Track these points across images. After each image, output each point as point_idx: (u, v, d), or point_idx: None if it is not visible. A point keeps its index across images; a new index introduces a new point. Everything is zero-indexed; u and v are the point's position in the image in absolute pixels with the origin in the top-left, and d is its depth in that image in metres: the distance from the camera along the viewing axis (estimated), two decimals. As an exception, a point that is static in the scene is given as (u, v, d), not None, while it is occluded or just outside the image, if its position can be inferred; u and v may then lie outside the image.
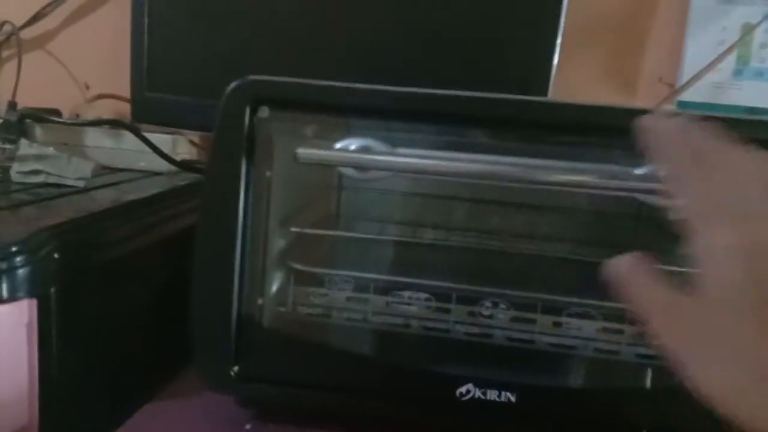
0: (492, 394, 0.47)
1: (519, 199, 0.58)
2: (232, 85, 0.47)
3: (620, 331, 0.48)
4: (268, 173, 0.48)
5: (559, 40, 0.81)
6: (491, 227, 0.56)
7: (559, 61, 0.81)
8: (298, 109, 0.48)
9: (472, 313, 0.49)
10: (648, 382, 0.48)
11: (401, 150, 0.45)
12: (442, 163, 0.43)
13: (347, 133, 0.48)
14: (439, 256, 0.55)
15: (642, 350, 0.48)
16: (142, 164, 0.82)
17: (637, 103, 0.90)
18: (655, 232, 0.54)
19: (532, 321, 0.48)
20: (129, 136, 0.80)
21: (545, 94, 0.81)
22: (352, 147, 0.46)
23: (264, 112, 0.47)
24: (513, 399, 0.46)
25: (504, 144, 0.47)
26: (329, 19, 0.84)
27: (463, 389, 0.47)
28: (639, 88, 0.91)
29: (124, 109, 0.92)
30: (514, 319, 0.49)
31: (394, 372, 0.48)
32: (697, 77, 0.87)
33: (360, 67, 0.83)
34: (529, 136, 0.45)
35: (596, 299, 0.48)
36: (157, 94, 0.88)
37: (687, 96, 0.88)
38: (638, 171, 0.42)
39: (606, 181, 0.41)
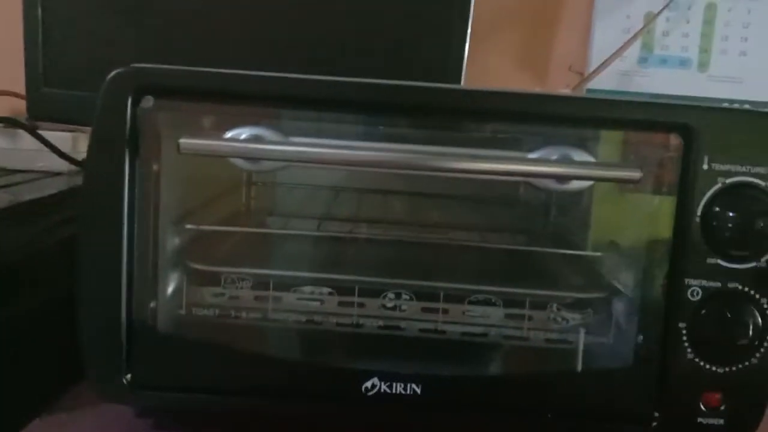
0: (398, 387, 0.45)
1: (423, 188, 0.57)
2: (112, 73, 0.44)
3: (523, 317, 0.47)
4: (155, 167, 0.45)
5: (469, 28, 0.80)
6: (397, 218, 0.55)
7: (471, 49, 0.81)
8: (186, 98, 0.45)
9: (375, 306, 0.48)
10: (555, 367, 0.48)
11: (293, 139, 0.43)
12: (332, 151, 0.41)
13: (246, 122, 0.46)
14: (344, 250, 0.53)
15: (547, 335, 0.48)
16: (41, 164, 0.77)
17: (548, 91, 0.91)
18: (557, 218, 0.55)
19: (435, 310, 0.48)
20: (25, 135, 0.76)
21: (458, 81, 0.80)
22: (243, 136, 0.44)
23: (148, 101, 0.44)
24: (419, 391, 0.45)
25: (406, 132, 0.46)
26: (239, 8, 0.81)
27: (368, 384, 0.45)
28: (550, 75, 0.92)
29: (21, 107, 0.87)
30: (418, 310, 0.48)
31: (297, 370, 0.46)
32: (603, 65, 0.89)
33: (269, 57, 0.80)
34: (432, 122, 0.44)
35: (499, 286, 0.48)
36: (55, 89, 0.83)
37: (596, 84, 0.90)
38: (531, 155, 0.42)
39: (496, 166, 0.40)
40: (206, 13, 0.80)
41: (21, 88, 0.83)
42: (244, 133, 0.44)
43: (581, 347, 0.48)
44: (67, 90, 0.82)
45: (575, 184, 0.43)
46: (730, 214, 0.44)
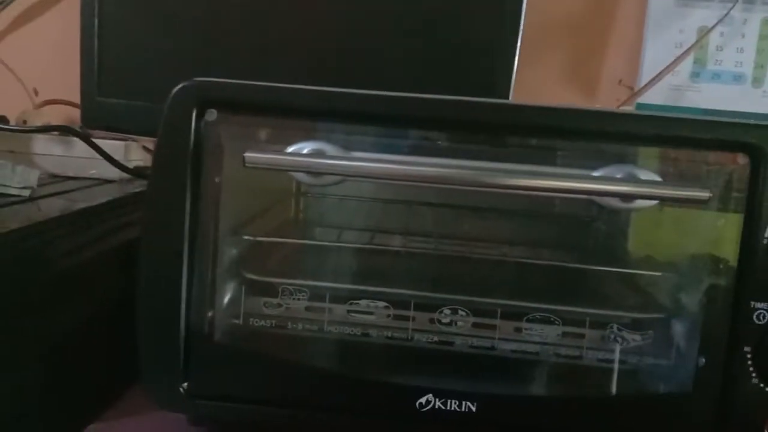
0: (452, 405, 0.45)
1: (479, 203, 0.57)
2: (177, 87, 0.45)
3: (582, 336, 0.47)
4: (217, 179, 0.46)
5: (519, 43, 0.80)
6: (450, 233, 0.55)
7: (519, 63, 0.80)
8: (248, 112, 0.46)
9: (431, 321, 0.48)
10: (612, 389, 0.47)
11: (355, 154, 0.43)
12: (394, 166, 0.41)
13: (304, 136, 0.46)
14: (398, 263, 0.53)
15: (606, 356, 0.47)
16: (93, 172, 0.79)
17: (598, 106, 0.90)
18: (613, 235, 0.54)
19: (492, 327, 0.47)
20: (79, 143, 0.78)
21: (507, 96, 0.80)
22: (305, 151, 0.44)
23: (211, 115, 0.45)
24: (474, 409, 0.45)
25: (465, 147, 0.46)
26: (287, 22, 0.82)
27: (422, 400, 0.45)
28: (599, 90, 0.91)
29: (75, 115, 0.89)
30: (474, 326, 0.47)
31: (352, 384, 0.46)
32: (655, 80, 0.88)
33: (320, 71, 0.81)
34: (490, 138, 0.44)
35: (557, 304, 0.47)
36: (108, 99, 0.85)
37: (646, 98, 0.89)
38: (596, 173, 0.41)
39: (562, 184, 0.40)
40: (259, 26, 0.82)
41: (76, 97, 0.85)
42: (306, 147, 0.45)
43: (640, 369, 0.47)
44: (121, 100, 0.84)
45: (639, 203, 0.42)
46: (799, 236, 0.43)
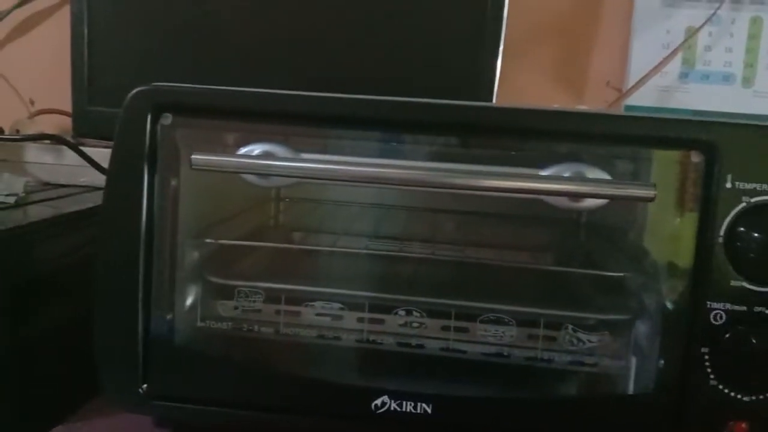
0: (408, 406, 0.45)
1: (436, 204, 0.56)
2: (133, 92, 0.46)
3: (537, 338, 0.46)
4: (173, 183, 0.47)
5: (501, 45, 0.80)
6: (409, 234, 0.55)
7: (505, 66, 0.80)
8: (203, 116, 0.46)
9: (386, 323, 0.48)
10: (569, 390, 0.46)
11: (305, 155, 0.43)
12: (339, 167, 0.41)
13: (261, 139, 0.47)
14: (360, 266, 0.53)
15: (562, 357, 0.47)
16: (84, 179, 0.80)
17: (585, 107, 0.90)
18: (574, 235, 0.54)
19: (447, 329, 0.47)
20: (70, 152, 0.79)
21: (491, 99, 0.80)
22: (256, 153, 0.44)
23: (167, 119, 0.46)
24: (429, 410, 0.45)
25: (419, 148, 0.46)
26: (275, 29, 0.83)
27: (378, 401, 0.45)
28: (587, 91, 0.90)
29: (69, 124, 0.91)
30: (429, 328, 0.47)
31: (308, 386, 0.46)
32: (642, 81, 0.87)
33: (304, 76, 0.82)
34: (439, 139, 0.44)
35: (512, 304, 0.47)
36: (99, 107, 0.86)
37: (634, 100, 0.88)
38: (544, 172, 0.41)
39: (505, 183, 0.40)
40: (247, 31, 0.83)
41: (68, 106, 0.86)
42: (257, 149, 0.45)
43: (599, 371, 0.46)
44: (112, 108, 0.85)
45: (589, 203, 0.42)
46: (756, 234, 0.42)
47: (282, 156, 0.44)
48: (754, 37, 0.86)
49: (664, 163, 0.44)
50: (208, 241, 0.51)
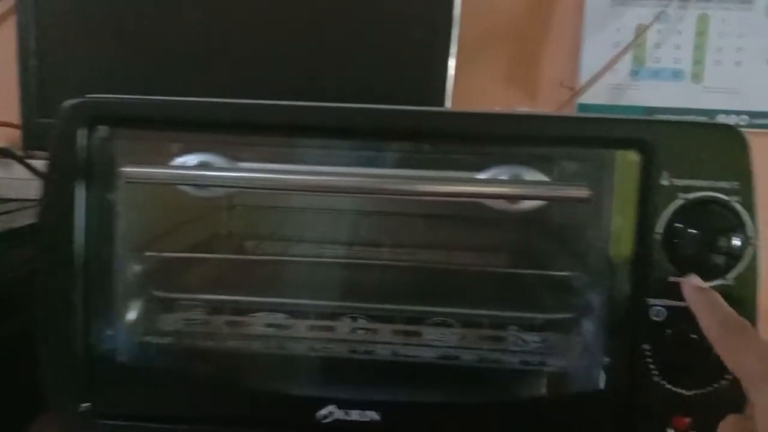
0: (355, 414, 0.44)
1: (388, 208, 0.56)
2: (66, 104, 0.45)
3: (480, 339, 0.46)
4: (111, 195, 0.46)
5: (453, 49, 0.80)
6: (360, 239, 0.55)
7: (459, 69, 0.80)
8: (139, 127, 0.46)
9: (330, 330, 0.47)
10: (516, 391, 0.46)
11: (242, 165, 0.43)
12: (272, 176, 0.41)
13: (200, 149, 0.46)
14: (306, 273, 0.53)
15: (508, 358, 0.47)
16: (34, 193, 0.78)
17: (539, 108, 0.90)
18: (520, 235, 0.54)
19: (396, 333, 0.47)
20: (19, 165, 0.78)
21: (442, 102, 0.80)
22: (193, 163, 0.44)
23: (103, 131, 0.45)
24: (378, 417, 0.44)
25: (369, 154, 0.46)
26: (226, 38, 0.82)
27: (324, 411, 0.45)
28: (540, 92, 0.91)
29: (18, 137, 0.88)
30: (373, 333, 0.47)
31: (252, 397, 0.46)
32: (594, 79, 0.88)
33: (254, 85, 0.81)
34: (374, 144, 0.43)
35: (458, 307, 0.47)
36: (49, 119, 0.84)
37: (587, 98, 0.89)
38: (481, 175, 0.41)
39: (439, 188, 0.40)
40: (199, 41, 0.82)
41: (18, 118, 0.84)
42: (195, 159, 0.44)
43: (547, 370, 0.46)
44: (62, 120, 0.84)
45: (526, 204, 0.42)
46: (693, 231, 0.42)
47: (217, 166, 0.43)
48: (701, 33, 0.87)
49: (602, 162, 0.44)
50: (150, 254, 0.50)
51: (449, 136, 0.43)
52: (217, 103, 0.44)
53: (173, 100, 0.44)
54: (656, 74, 0.88)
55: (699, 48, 0.87)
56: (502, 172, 0.42)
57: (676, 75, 0.88)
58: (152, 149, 0.48)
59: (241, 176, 0.41)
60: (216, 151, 0.45)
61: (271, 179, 0.40)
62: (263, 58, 0.81)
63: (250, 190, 0.43)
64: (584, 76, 0.88)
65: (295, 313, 0.48)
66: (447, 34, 0.79)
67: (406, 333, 0.47)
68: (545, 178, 0.42)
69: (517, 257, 0.54)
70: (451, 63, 0.80)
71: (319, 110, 0.43)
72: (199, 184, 0.43)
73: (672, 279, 0.43)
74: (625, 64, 0.88)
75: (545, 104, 0.90)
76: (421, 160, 0.46)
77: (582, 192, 0.40)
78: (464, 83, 0.85)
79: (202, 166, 0.43)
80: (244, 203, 0.70)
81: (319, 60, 0.81)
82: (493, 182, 0.40)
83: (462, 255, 0.52)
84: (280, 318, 0.48)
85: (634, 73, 0.88)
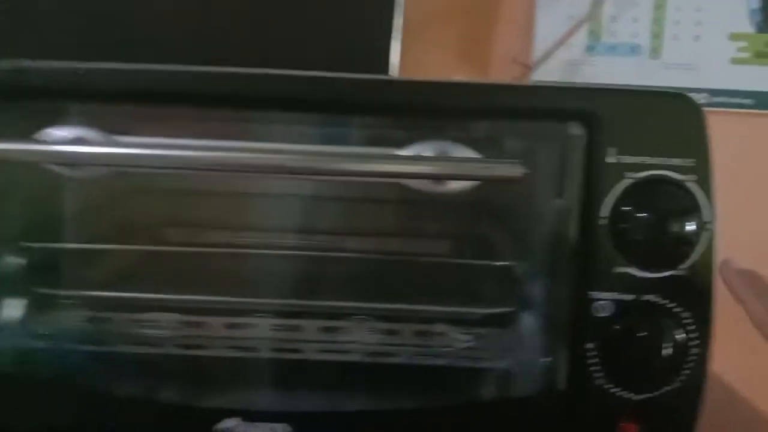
0: (262, 428, 0.39)
1: (316, 191, 0.50)
2: None
3: (403, 338, 0.41)
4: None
5: (396, 19, 0.75)
6: (270, 225, 0.48)
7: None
8: (9, 98, 0.39)
9: (229, 327, 0.41)
10: (446, 396, 0.41)
11: (121, 139, 0.36)
12: (145, 152, 0.34)
13: (76, 122, 0.39)
14: (209, 265, 0.46)
15: (435, 361, 0.42)
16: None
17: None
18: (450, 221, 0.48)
19: (300, 331, 0.41)
20: None
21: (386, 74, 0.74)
22: (66, 138, 0.37)
23: (-41, 101, 0.38)
24: (290, 430, 0.39)
25: (276, 128, 0.40)
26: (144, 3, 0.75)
27: (224, 425, 0.39)
28: (492, 68, 0.85)
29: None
30: (279, 331, 0.41)
31: (139, 408, 0.39)
32: (548, 54, 0.83)
33: (186, 51, 0.74)
34: (262, 114, 0.37)
35: (380, 302, 0.41)
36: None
37: (542, 75, 0.83)
38: (403, 152, 0.35)
39: (350, 167, 0.34)
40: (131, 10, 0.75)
41: None
42: (71, 134, 0.38)
43: (480, 372, 0.41)
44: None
45: (454, 185, 0.37)
46: (642, 214, 0.37)
47: (93, 142, 0.36)
48: (659, 6, 0.82)
49: (544, 137, 0.39)
50: (28, 245, 0.43)
51: (367, 107, 0.37)
52: (95, 68, 0.37)
53: (42, 67, 0.38)
54: (613, 49, 0.83)
55: (657, 21, 0.83)
56: (426, 149, 0.36)
57: (634, 50, 0.83)
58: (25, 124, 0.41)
59: (115, 153, 0.35)
60: (96, 125, 0.39)
61: (149, 156, 0.34)
62: (202, 30, 0.75)
63: (137, 169, 0.37)
64: (538, 51, 0.83)
65: (197, 310, 0.42)
66: (391, 7, 0.74)
67: (323, 331, 0.41)
68: (474, 156, 0.36)
69: (456, 245, 0.49)
70: (396, 38, 0.75)
71: (222, 77, 0.36)
72: (62, 162, 0.36)
73: (618, 269, 0.38)
74: (581, 38, 0.83)
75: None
76: (344, 136, 0.40)
77: (515, 171, 0.34)
78: (414, 60, 0.80)
79: (75, 142, 0.36)
80: (161, 187, 0.63)
81: (258, 30, 0.74)
82: (408, 159, 0.35)
83: (393, 243, 0.46)
84: (177, 317, 0.41)
85: (590, 49, 0.83)
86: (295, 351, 0.41)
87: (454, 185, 0.36)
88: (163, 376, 0.41)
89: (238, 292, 0.42)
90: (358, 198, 0.46)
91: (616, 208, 0.38)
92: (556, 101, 0.38)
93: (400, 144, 0.38)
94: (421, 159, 0.35)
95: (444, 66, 0.86)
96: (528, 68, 0.84)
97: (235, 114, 0.40)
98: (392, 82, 0.37)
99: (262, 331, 0.43)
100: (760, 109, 0.87)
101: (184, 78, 0.38)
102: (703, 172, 0.38)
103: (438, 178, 0.35)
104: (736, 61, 0.85)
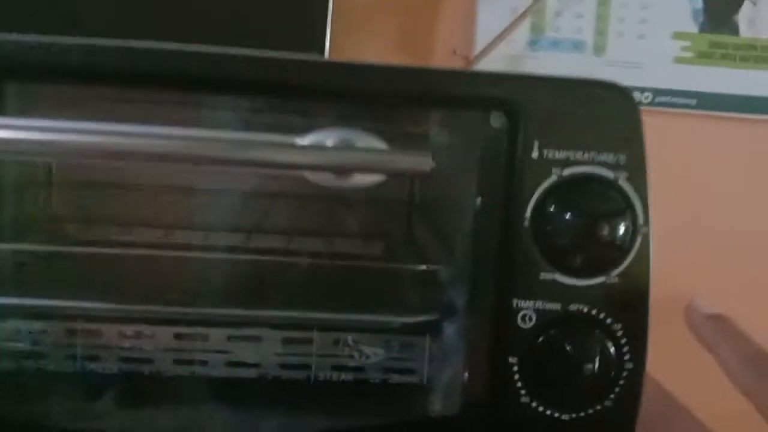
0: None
1: (210, 185, 0.45)
2: None
3: (307, 351, 0.36)
4: None
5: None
6: (169, 221, 0.44)
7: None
8: None
9: (96, 335, 0.36)
10: (354, 418, 0.37)
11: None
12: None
13: None
14: (100, 266, 0.41)
15: (342, 375, 0.37)
16: None
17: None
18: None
19: (179, 339, 0.36)
20: None
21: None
22: None
23: None
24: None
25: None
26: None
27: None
28: (433, 61, 0.82)
29: None
30: (156, 343, 0.36)
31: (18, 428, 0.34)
32: (489, 48, 0.79)
33: (108, 25, 0.68)
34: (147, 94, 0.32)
35: (277, 309, 0.36)
36: None
37: (482, 68, 0.80)
38: (299, 141, 0.31)
39: (226, 154, 0.29)
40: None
41: None
42: None
43: (391, 388, 0.37)
44: None
45: (363, 180, 0.32)
46: (568, 215, 0.34)
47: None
48: (604, 3, 0.80)
49: (462, 128, 0.35)
50: None
51: (263, 86, 0.32)
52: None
53: None
54: (556, 45, 0.80)
55: (601, 18, 0.80)
56: (327, 137, 0.31)
57: (577, 46, 0.80)
58: None
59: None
60: None
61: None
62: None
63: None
64: (480, 44, 0.80)
65: (57, 316, 0.36)
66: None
67: (206, 342, 0.36)
68: (380, 146, 0.32)
69: (372, 246, 0.45)
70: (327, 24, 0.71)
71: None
72: None
73: (543, 276, 0.34)
74: (523, 33, 0.80)
75: (437, 75, 0.81)
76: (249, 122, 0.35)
77: (422, 163, 0.30)
78: (352, 53, 0.76)
79: None
80: (64, 179, 0.57)
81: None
82: (300, 149, 0.30)
83: (301, 243, 0.42)
84: (29, 324, 0.36)
85: (533, 43, 0.80)
86: (175, 365, 0.36)
87: (362, 180, 0.32)
88: (31, 396, 0.35)
89: (105, 296, 0.37)
90: (263, 193, 0.41)
91: (540, 208, 0.34)
92: (476, 88, 0.34)
93: (300, 131, 0.33)
94: (316, 149, 0.30)
95: (383, 56, 0.82)
96: (469, 61, 0.80)
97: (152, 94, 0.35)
98: (287, 62, 0.32)
99: (157, 343, 0.38)
100: (702, 109, 0.85)
101: (100, 54, 0.32)
102: (636, 169, 0.34)
103: (335, 171, 0.30)
104: (679, 61, 0.84)
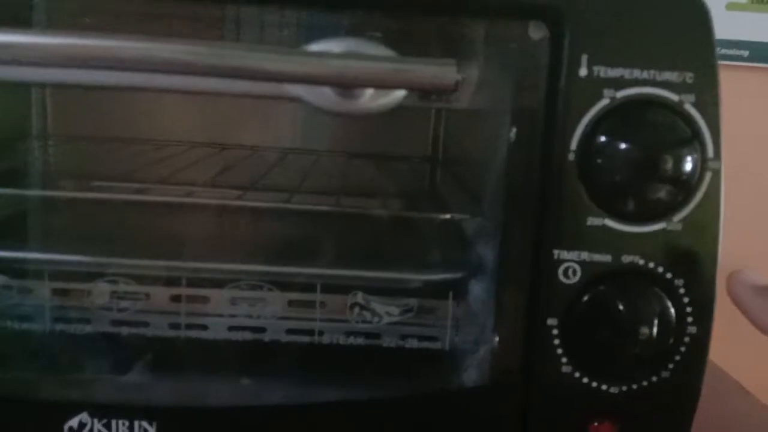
0: (120, 427, 0.29)
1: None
2: None
3: (312, 309, 0.31)
4: None
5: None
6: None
7: None
8: None
9: (81, 295, 0.31)
10: (367, 387, 0.31)
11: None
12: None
13: None
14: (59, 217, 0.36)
15: (352, 340, 0.32)
16: None
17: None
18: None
19: (177, 300, 0.31)
20: None
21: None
22: None
23: None
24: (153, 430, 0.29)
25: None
26: None
27: (74, 422, 0.29)
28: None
29: None
30: (148, 301, 0.31)
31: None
32: None
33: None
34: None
35: (281, 264, 0.31)
36: None
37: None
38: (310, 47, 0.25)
39: (199, 61, 0.23)
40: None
41: None
42: None
43: (411, 355, 0.32)
44: None
45: (376, 102, 0.26)
46: (624, 147, 0.28)
47: None
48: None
49: (495, 42, 0.29)
50: None
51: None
52: None
53: None
54: None
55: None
56: (335, 46, 0.26)
57: None
58: None
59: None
60: None
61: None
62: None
63: None
64: None
65: (22, 272, 0.32)
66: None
67: (194, 301, 0.31)
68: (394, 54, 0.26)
69: (390, 204, 0.39)
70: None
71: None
72: None
73: (590, 222, 0.28)
74: None
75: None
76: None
77: (446, 76, 0.24)
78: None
79: None
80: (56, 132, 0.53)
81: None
82: (294, 55, 0.24)
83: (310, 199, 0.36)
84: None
85: None
86: (165, 327, 0.31)
87: (370, 102, 0.26)
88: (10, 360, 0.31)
89: (92, 249, 0.32)
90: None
91: (588, 138, 0.28)
92: (512, -7, 0.28)
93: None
94: (315, 56, 0.24)
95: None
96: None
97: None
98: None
99: (116, 301, 0.33)
100: (754, 62, 0.79)
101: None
102: (706, 91, 0.28)
103: (337, 85, 0.25)
104: (731, 7, 0.77)
